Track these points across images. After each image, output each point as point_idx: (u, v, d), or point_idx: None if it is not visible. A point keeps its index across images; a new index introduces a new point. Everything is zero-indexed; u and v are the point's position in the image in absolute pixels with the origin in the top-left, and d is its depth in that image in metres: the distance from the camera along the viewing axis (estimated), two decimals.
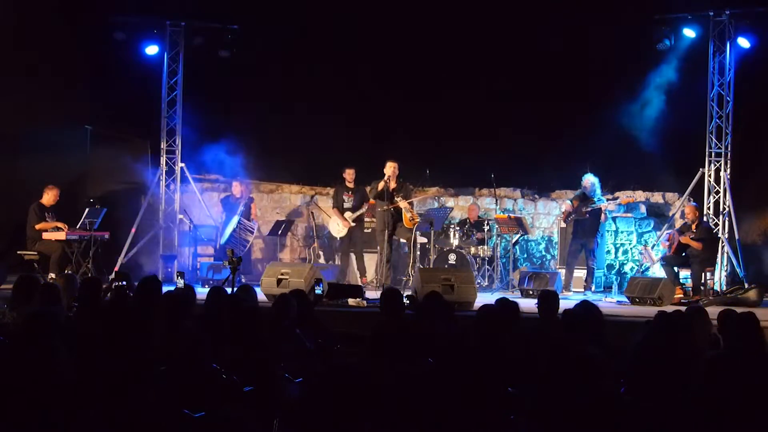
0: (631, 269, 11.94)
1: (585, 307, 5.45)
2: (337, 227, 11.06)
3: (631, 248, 12.24)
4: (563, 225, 11.23)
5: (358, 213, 10.93)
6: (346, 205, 11.01)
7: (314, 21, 12.54)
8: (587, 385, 3.31)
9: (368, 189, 10.50)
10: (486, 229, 11.16)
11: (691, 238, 10.03)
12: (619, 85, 11.77)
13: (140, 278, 6.22)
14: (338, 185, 11.21)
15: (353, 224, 10.94)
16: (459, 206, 12.66)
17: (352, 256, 11.22)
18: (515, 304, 5.84)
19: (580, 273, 10.83)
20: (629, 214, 12.27)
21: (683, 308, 5.86)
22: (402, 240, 10.95)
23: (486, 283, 11.03)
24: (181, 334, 4.13)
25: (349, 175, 11.04)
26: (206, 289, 7.17)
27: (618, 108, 11.60)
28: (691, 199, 11.01)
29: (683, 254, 10.16)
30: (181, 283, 8.88)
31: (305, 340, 5.36)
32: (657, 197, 12.48)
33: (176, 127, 12.19)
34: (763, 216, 11.46)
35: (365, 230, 11.38)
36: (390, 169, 10.12)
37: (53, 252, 9.97)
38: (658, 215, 12.28)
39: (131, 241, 11.47)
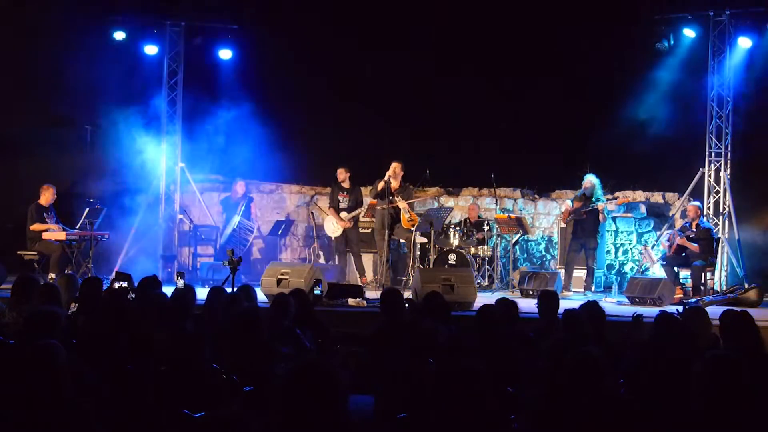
0: (631, 269, 11.93)
1: (587, 307, 5.45)
2: (332, 227, 11.05)
3: (631, 248, 12.23)
4: (563, 225, 11.22)
5: (354, 213, 10.92)
6: (342, 205, 10.99)
7: (314, 21, 12.53)
8: (587, 385, 3.31)
9: (369, 189, 10.49)
10: (486, 229, 11.15)
11: (690, 239, 10.03)
12: (620, 85, 11.77)
13: (140, 278, 6.23)
14: (333, 185, 11.20)
15: (349, 224, 10.94)
16: (459, 206, 12.65)
17: (350, 256, 11.21)
18: (515, 304, 5.84)
19: (580, 273, 10.82)
20: (629, 214, 12.25)
21: (683, 308, 5.85)
22: (401, 240, 10.95)
23: (486, 283, 11.02)
24: (181, 334, 4.13)
25: (340, 174, 11.02)
26: (206, 289, 7.17)
27: (618, 108, 11.59)
28: (691, 198, 11.00)
29: (683, 254, 10.16)
30: (181, 283, 8.88)
31: (305, 340, 5.36)
32: (657, 197, 12.46)
33: (176, 126, 12.19)
34: (763, 216, 11.45)
35: (364, 230, 11.37)
36: (393, 169, 10.11)
37: (53, 252, 9.96)
38: (658, 215, 12.26)
39: (131, 241, 11.47)
